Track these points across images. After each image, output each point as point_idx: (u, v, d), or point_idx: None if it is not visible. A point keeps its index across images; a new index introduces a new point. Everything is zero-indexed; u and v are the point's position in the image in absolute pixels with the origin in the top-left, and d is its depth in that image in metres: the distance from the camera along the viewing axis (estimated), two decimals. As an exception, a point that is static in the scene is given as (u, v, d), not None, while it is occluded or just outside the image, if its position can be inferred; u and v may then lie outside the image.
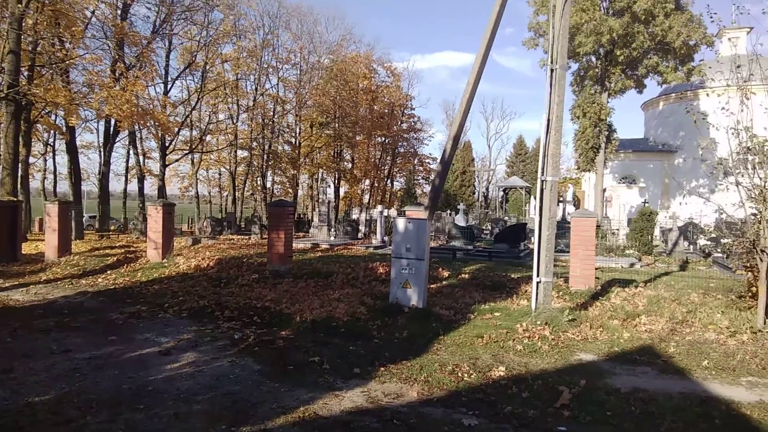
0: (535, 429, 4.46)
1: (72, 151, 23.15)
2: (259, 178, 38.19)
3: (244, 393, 5.02)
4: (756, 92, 8.06)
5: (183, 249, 15.74)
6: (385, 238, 20.85)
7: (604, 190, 32.40)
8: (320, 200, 26.44)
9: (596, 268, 12.30)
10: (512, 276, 11.85)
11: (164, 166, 28.65)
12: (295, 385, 5.25)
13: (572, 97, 31.72)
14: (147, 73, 23.89)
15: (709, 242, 20.16)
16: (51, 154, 31.69)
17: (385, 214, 24.29)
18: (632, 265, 15.84)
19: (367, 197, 46.23)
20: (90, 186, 35.99)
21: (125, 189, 35.15)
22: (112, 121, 23.66)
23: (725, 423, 4.66)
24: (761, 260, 7.71)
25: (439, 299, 9.36)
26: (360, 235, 24.82)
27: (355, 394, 5.08)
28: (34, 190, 30.59)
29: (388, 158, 47.64)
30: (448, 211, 34.95)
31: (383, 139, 45.21)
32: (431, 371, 5.77)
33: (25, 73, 17.92)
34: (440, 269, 12.54)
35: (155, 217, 13.65)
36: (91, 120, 25.82)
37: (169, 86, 28.42)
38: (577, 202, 38.39)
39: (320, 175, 43.17)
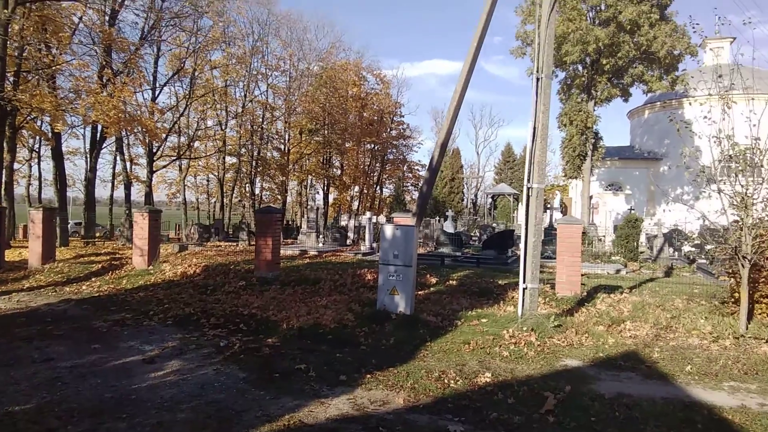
0: (520, 435, 4.48)
1: (58, 157, 22.90)
2: (247, 185, 38.04)
3: (228, 401, 4.99)
4: (737, 101, 8.20)
5: (169, 256, 15.61)
6: (374, 245, 20.85)
7: (591, 197, 32.70)
8: (309, 207, 26.40)
9: (582, 275, 12.40)
10: (499, 282, 11.89)
11: (151, 172, 28.42)
12: (280, 393, 5.22)
13: (559, 105, 32.12)
14: (135, 79, 23.74)
15: (693, 249, 20.40)
16: (36, 160, 31.31)
17: (374, 220, 24.31)
18: (618, 271, 15.97)
19: (356, 204, 46.23)
20: (76, 192, 35.68)
21: (112, 195, 34.84)
22: (99, 127, 23.46)
23: (707, 428, 4.71)
24: (743, 266, 7.83)
25: (427, 306, 9.37)
26: (349, 241, 24.79)
27: (341, 402, 5.07)
28: (18, 196, 30.12)
29: (377, 165, 47.72)
30: (437, 218, 35.06)
31: (372, 145, 45.30)
32: (418, 378, 5.77)
33: (11, 79, 17.74)
34: (428, 276, 12.55)
35: (141, 223, 13.54)
36: (78, 126, 25.57)
37: (157, 92, 28.25)
38: (564, 209, 38.69)
39: (309, 181, 43.09)
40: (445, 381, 5.69)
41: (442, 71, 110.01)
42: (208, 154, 36.12)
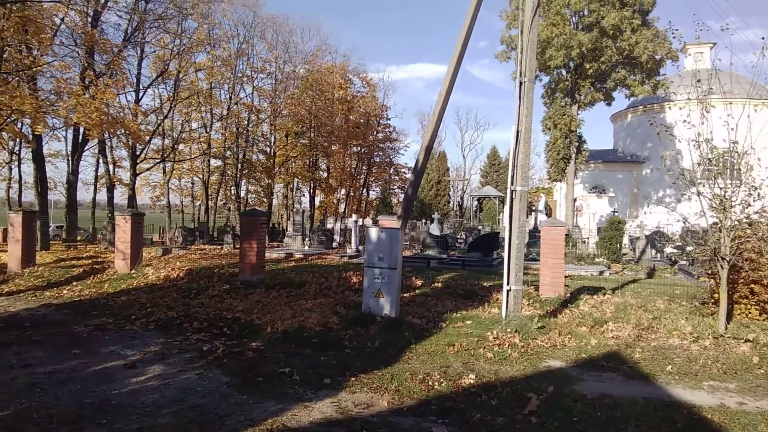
0: (503, 436, 4.50)
1: (38, 159, 22.51)
2: (232, 188, 37.75)
3: (211, 405, 4.94)
4: (715, 105, 8.35)
5: (153, 259, 15.44)
6: (360, 248, 20.83)
7: (575, 199, 33.03)
8: (295, 210, 26.31)
9: (566, 276, 12.51)
10: (484, 284, 11.96)
11: (135, 175, 28.06)
12: (264, 397, 5.19)
13: (543, 109, 32.36)
14: (118, 81, 23.43)
15: (675, 250, 20.70)
16: (16, 163, 30.72)
17: (360, 223, 24.28)
18: (601, 272, 16.15)
19: (342, 206, 46.14)
20: (57, 195, 35.04)
21: (94, 198, 34.31)
22: (81, 130, 23.13)
23: (687, 427, 4.77)
24: (722, 268, 7.97)
25: (412, 308, 9.38)
26: (335, 244, 24.75)
27: (325, 405, 5.05)
28: (-2, 199, 29.63)
29: (363, 168, 47.70)
30: (423, 221, 35.15)
31: (359, 148, 45.28)
32: (402, 380, 5.78)
33: (-10, 80, 17.42)
34: (414, 278, 12.58)
35: (123, 227, 13.38)
36: (59, 128, 25.13)
37: (140, 94, 27.88)
38: (549, 212, 39.04)
39: (295, 184, 42.92)
40: (430, 383, 5.70)
41: (428, 75, 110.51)
42: (192, 156, 35.80)
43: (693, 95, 8.88)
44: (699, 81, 8.43)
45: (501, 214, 41.35)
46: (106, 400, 5.02)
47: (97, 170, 31.79)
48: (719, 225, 8.07)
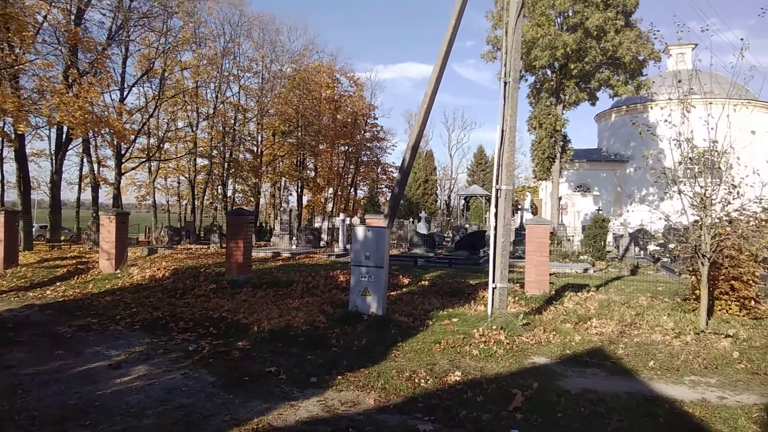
0: (488, 432, 4.55)
1: (21, 159, 22.18)
2: (219, 187, 37.53)
3: (196, 406, 4.93)
4: (696, 106, 8.50)
5: (138, 259, 15.31)
6: (348, 247, 20.82)
7: (560, 198, 33.33)
8: (282, 209, 26.22)
9: (551, 274, 12.65)
10: (470, 282, 12.03)
11: (120, 174, 27.78)
12: (250, 397, 5.19)
13: (529, 108, 32.68)
14: (102, 80, 23.15)
15: (658, 248, 20.98)
16: (-2, 162, 30.29)
17: (348, 222, 24.28)
18: (586, 270, 16.32)
19: (330, 206, 46.08)
20: (41, 195, 34.54)
21: (78, 198, 33.90)
22: (65, 129, 22.84)
23: (668, 421, 4.86)
24: (703, 265, 8.11)
25: (399, 306, 9.42)
26: (322, 243, 24.71)
27: (312, 404, 5.06)
28: (-21, 199, 29.08)
29: (351, 167, 47.69)
30: (411, 219, 35.22)
31: (346, 147, 45.25)
32: (388, 378, 5.80)
33: (-30, 79, 17.16)
34: (401, 277, 12.62)
35: (108, 226, 13.25)
36: (42, 127, 24.75)
37: (125, 93, 27.63)
38: (534, 210, 39.34)
39: (283, 183, 42.78)
40: (416, 380, 5.73)
41: (415, 74, 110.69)
42: (178, 155, 35.53)
43: (674, 95, 9.03)
44: (680, 81, 8.58)
45: (487, 213, 41.57)
46: (90, 401, 4.98)
47: (81, 169, 31.40)
48: (700, 223, 8.21)
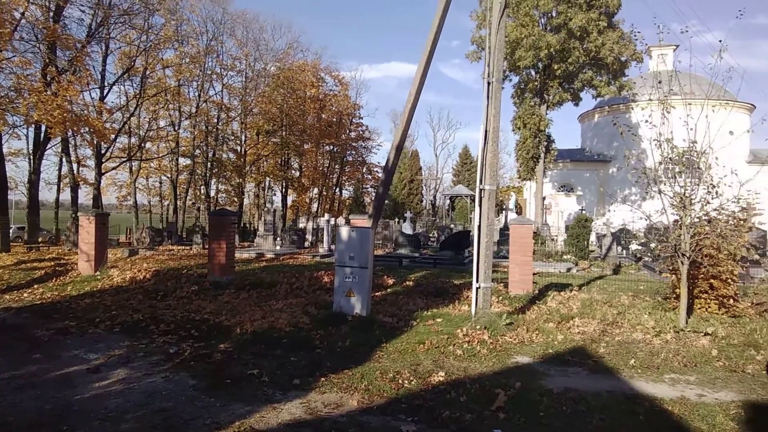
0: (471, 432, 4.55)
1: (-3, 158, 21.72)
2: (202, 187, 37.16)
3: (177, 409, 4.86)
4: (676, 106, 8.61)
5: (118, 261, 15.09)
6: (332, 247, 20.74)
7: (544, 198, 33.62)
8: (266, 209, 26.05)
9: (535, 273, 12.73)
10: (455, 282, 12.07)
11: (100, 174, 27.33)
12: (231, 400, 5.12)
13: (513, 108, 32.83)
14: (81, 78, 22.74)
15: (640, 247, 21.27)
16: (-27, 162, 29.57)
17: (333, 222, 24.20)
18: (569, 269, 16.47)
19: (315, 206, 45.89)
20: (18, 195, 33.80)
21: (57, 198, 33.26)
22: (43, 128, 22.41)
23: (649, 419, 4.91)
24: (683, 264, 8.23)
25: (383, 307, 9.40)
26: (307, 244, 24.62)
27: (294, 406, 5.02)
28: (-46, 200, 28.33)
29: (336, 167, 47.53)
30: (396, 219, 35.25)
31: (331, 147, 45.08)
32: (372, 379, 5.78)
33: (-55, 76, 16.74)
34: (385, 277, 12.61)
35: (87, 227, 13.03)
36: (20, 126, 24.20)
37: (105, 91, 27.17)
38: (519, 210, 39.59)
39: (267, 183, 42.48)
40: (400, 381, 5.72)
41: (401, 74, 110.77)
42: (160, 155, 35.08)
43: (655, 96, 9.14)
44: (660, 82, 8.69)
45: (472, 213, 41.76)
46: (68, 406, 4.88)
47: (60, 169, 30.82)
48: (680, 222, 8.33)
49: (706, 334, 7.63)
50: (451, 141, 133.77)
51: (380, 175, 50.19)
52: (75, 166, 28.97)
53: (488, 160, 8.13)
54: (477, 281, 8.21)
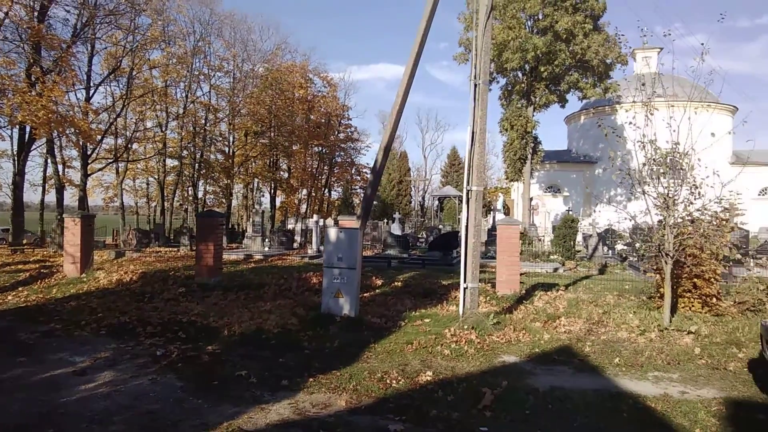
0: (458, 431, 4.59)
1: (-20, 159, 21.46)
2: (190, 188, 36.88)
3: (164, 411, 4.85)
4: (659, 108, 8.74)
5: (105, 263, 14.95)
6: (321, 248, 20.69)
7: (531, 198, 33.86)
8: (255, 210, 25.95)
9: (522, 273, 12.83)
10: (443, 283, 12.12)
11: (86, 175, 27.02)
12: (219, 401, 5.13)
13: (501, 110, 33.08)
14: (66, 78, 22.48)
15: (626, 247, 21.49)
16: (-44, 163, 29.18)
17: (322, 223, 24.16)
18: (556, 269, 16.61)
19: (304, 207, 45.77)
20: (2, 197, 33.31)
21: (42, 200, 32.82)
22: (27, 128, 22.14)
23: (632, 416, 4.99)
24: (666, 263, 8.35)
25: (372, 308, 9.43)
26: (295, 245, 24.55)
27: (282, 407, 5.03)
28: (-64, 202, 27.99)
29: (325, 168, 47.45)
30: (385, 221, 35.28)
31: (320, 148, 44.98)
32: (360, 379, 5.81)
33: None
34: (374, 278, 12.63)
35: (73, 229, 12.90)
36: (4, 127, 23.91)
37: (91, 92, 26.82)
38: (507, 211, 39.88)
39: (256, 184, 42.29)
40: (388, 381, 5.75)
41: (389, 75, 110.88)
42: (147, 156, 34.78)
43: (638, 98, 9.27)
44: (643, 85, 8.81)
45: (461, 214, 41.93)
46: (54, 409, 4.85)
47: (45, 170, 30.46)
48: (664, 222, 8.45)
49: (690, 332, 7.75)
50: (439, 142, 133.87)
51: (369, 176, 50.19)
52: (60, 167, 28.64)
53: (475, 161, 8.20)
54: (465, 281, 8.27)
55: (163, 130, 33.61)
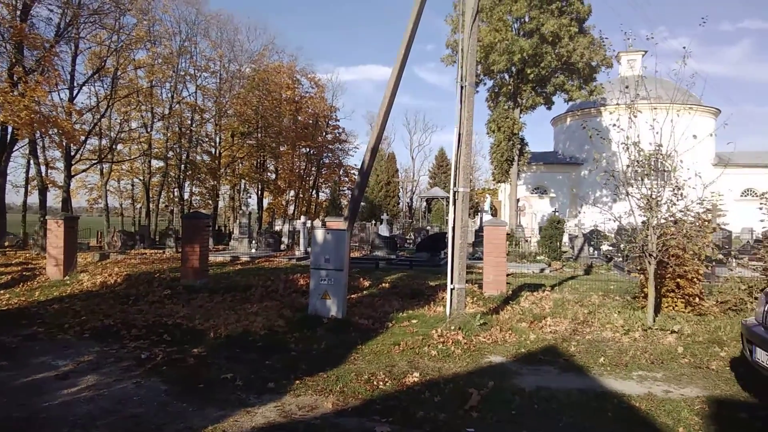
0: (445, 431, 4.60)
1: (-39, 160, 21.09)
2: (175, 189, 36.59)
3: (148, 415, 4.79)
4: (642, 110, 8.85)
5: (89, 265, 14.77)
6: (308, 250, 20.65)
7: (518, 200, 34.10)
8: (241, 212, 25.79)
9: (509, 274, 12.91)
10: (430, 284, 12.15)
11: (69, 176, 26.67)
12: (204, 404, 5.08)
13: (488, 112, 33.30)
14: (50, 78, 22.19)
15: (611, 248, 21.73)
16: (-65, 164, 28.54)
17: (309, 225, 24.10)
18: (542, 270, 16.74)
19: (291, 208, 45.62)
20: (-17, 198, 32.78)
21: (25, 202, 32.33)
22: (9, 129, 21.82)
23: (617, 415, 5.03)
24: (650, 264, 8.45)
25: (359, 309, 9.42)
26: (283, 246, 24.46)
27: (268, 410, 5.00)
28: None
29: (313, 169, 47.36)
30: (373, 222, 35.29)
31: (308, 149, 44.91)
32: (347, 381, 5.79)
33: None
34: (362, 279, 12.62)
35: (56, 231, 12.72)
36: (-15, 127, 23.61)
37: (75, 92, 26.51)
38: (494, 212, 40.05)
39: (242, 186, 42.07)
40: (375, 383, 5.74)
41: (377, 77, 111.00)
42: (132, 157, 34.44)
43: (623, 101, 9.38)
44: (627, 87, 8.92)
45: (449, 215, 42.06)
46: (36, 413, 4.77)
47: (28, 171, 30.02)
48: (647, 223, 8.55)
49: (673, 331, 7.85)
50: (427, 144, 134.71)
51: (357, 177, 50.12)
52: (43, 168, 28.22)
53: (462, 162, 8.23)
54: (452, 282, 8.29)
55: (149, 130, 33.31)
